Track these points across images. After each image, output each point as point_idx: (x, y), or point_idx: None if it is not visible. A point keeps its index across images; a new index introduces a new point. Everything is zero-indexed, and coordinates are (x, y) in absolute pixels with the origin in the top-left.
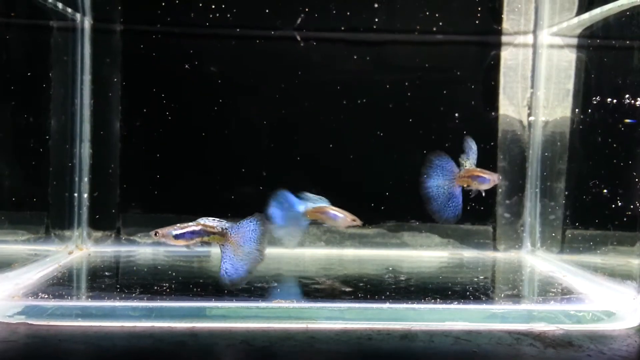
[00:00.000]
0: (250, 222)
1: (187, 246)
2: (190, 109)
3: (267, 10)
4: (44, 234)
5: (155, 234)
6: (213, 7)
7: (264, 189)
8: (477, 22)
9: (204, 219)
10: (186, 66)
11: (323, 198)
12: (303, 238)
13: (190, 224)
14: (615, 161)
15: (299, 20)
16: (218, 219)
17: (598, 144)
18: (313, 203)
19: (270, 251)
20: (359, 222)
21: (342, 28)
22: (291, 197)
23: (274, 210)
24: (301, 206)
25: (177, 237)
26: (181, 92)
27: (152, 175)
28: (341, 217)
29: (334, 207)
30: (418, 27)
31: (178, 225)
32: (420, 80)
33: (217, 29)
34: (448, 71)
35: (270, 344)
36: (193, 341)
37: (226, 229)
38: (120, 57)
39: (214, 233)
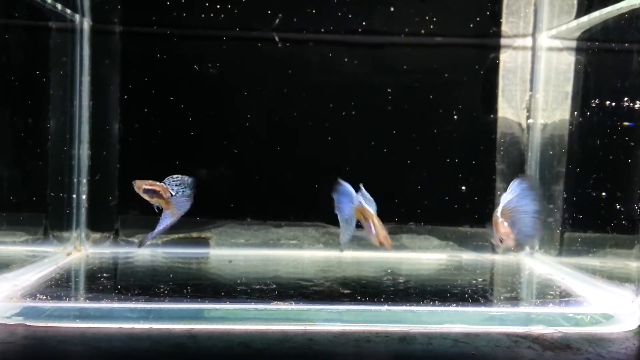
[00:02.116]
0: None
1: (152, 204)
2: (189, 110)
3: (268, 12)
4: (42, 235)
5: (134, 182)
6: (212, 8)
7: (263, 190)
8: (476, 24)
9: (171, 179)
10: (195, 67)
11: (373, 202)
12: (303, 239)
13: (158, 184)
14: (613, 164)
15: (277, 21)
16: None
17: (597, 147)
18: (365, 202)
19: (268, 253)
20: (388, 246)
21: (341, 30)
22: (349, 189)
23: (340, 198)
24: (355, 200)
25: (144, 191)
26: (180, 94)
27: (151, 176)
28: (373, 233)
29: (376, 219)
30: (417, 30)
31: (151, 182)
32: (419, 82)
33: (216, 31)
34: (447, 74)
35: (268, 346)
36: (191, 343)
37: (169, 198)
38: (119, 58)
39: (163, 199)
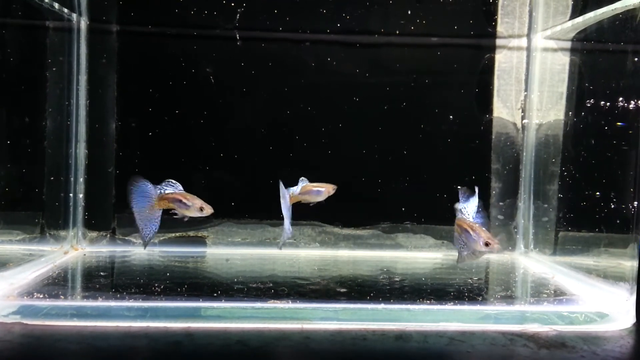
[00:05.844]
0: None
1: None
2: (186, 109)
3: (264, 12)
4: (39, 233)
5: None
6: (209, 8)
7: (259, 189)
8: (471, 25)
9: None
10: (193, 68)
11: (304, 179)
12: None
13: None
14: (607, 163)
15: (237, 17)
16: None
17: (591, 147)
18: (296, 187)
19: (265, 252)
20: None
21: (337, 30)
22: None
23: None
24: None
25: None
26: (177, 93)
27: (148, 176)
28: (322, 190)
29: (313, 184)
30: (413, 30)
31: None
32: (414, 82)
33: (214, 30)
34: (442, 74)
35: (265, 344)
36: (188, 341)
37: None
38: (117, 57)
39: None
